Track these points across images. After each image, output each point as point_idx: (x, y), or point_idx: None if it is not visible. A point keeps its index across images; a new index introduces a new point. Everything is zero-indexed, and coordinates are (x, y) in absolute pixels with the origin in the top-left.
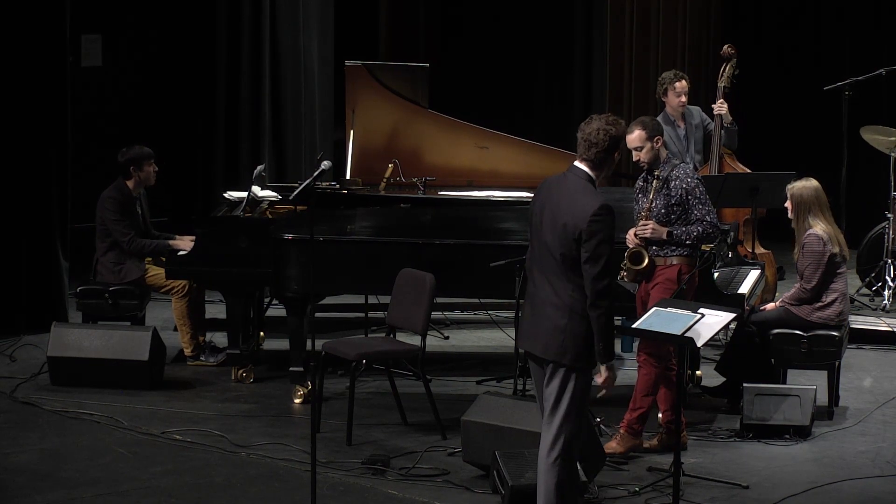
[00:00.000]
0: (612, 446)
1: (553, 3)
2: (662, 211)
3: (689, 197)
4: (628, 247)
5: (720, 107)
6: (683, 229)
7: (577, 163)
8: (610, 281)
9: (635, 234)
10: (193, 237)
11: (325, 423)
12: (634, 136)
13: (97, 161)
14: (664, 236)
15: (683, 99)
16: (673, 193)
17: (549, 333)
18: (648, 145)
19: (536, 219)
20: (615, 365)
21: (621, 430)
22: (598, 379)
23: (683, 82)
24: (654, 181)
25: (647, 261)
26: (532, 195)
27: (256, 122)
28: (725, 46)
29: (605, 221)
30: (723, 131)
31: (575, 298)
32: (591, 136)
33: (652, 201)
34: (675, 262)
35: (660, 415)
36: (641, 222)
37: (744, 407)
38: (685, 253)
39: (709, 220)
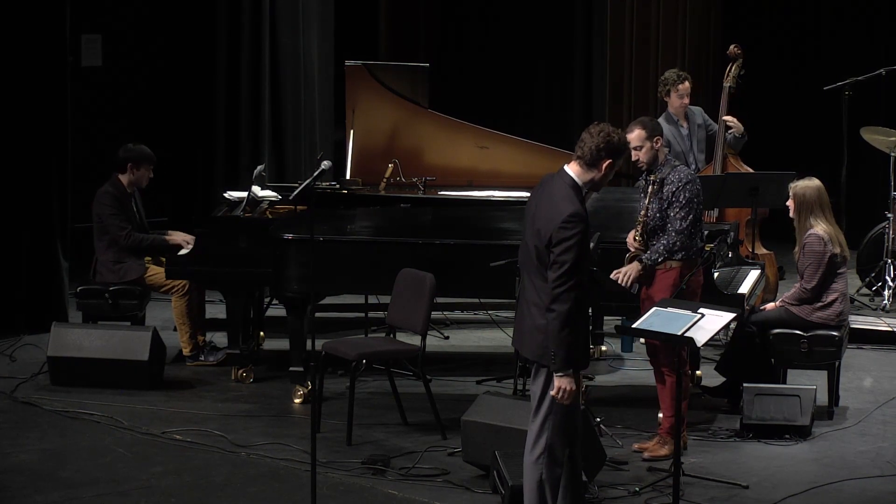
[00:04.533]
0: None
1: (553, 3)
2: (657, 215)
3: (673, 199)
4: (629, 249)
5: (731, 122)
6: (648, 252)
7: (567, 166)
8: (567, 287)
9: (619, 276)
10: (187, 233)
11: (325, 423)
12: (634, 136)
13: (97, 161)
14: (641, 270)
15: (686, 100)
16: (664, 196)
17: (532, 333)
18: (648, 145)
19: (525, 224)
20: (573, 374)
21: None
22: (552, 391)
23: (686, 84)
24: (651, 185)
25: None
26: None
27: (256, 122)
28: (732, 46)
29: (572, 229)
30: (731, 138)
31: None
32: (588, 135)
33: (647, 206)
34: (674, 266)
35: (660, 415)
36: (613, 273)
37: (744, 407)
38: (683, 257)
39: (677, 228)
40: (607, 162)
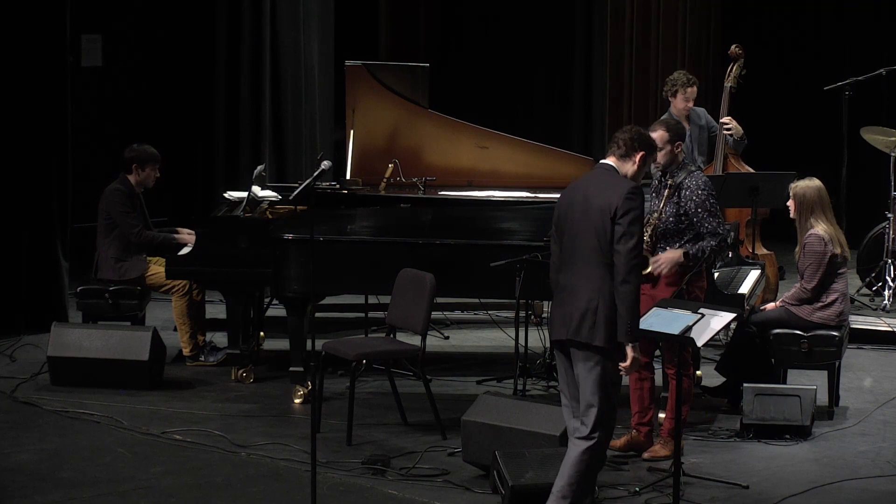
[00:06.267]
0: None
1: (553, 3)
2: (671, 220)
3: (699, 210)
4: None
5: (728, 124)
6: (698, 247)
7: (602, 161)
8: (641, 259)
9: (652, 271)
10: (194, 232)
11: (325, 423)
12: (656, 136)
13: (97, 161)
14: (681, 258)
15: (691, 104)
16: (682, 203)
17: (580, 315)
18: (668, 148)
19: (565, 220)
20: (638, 347)
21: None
22: (622, 363)
23: (695, 88)
24: (667, 189)
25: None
26: (532, 195)
27: (256, 122)
28: (733, 46)
29: (636, 199)
30: (731, 141)
31: (605, 280)
32: (620, 133)
33: (662, 209)
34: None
35: (661, 415)
36: (651, 259)
37: (744, 407)
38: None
39: (721, 232)
40: (640, 154)
